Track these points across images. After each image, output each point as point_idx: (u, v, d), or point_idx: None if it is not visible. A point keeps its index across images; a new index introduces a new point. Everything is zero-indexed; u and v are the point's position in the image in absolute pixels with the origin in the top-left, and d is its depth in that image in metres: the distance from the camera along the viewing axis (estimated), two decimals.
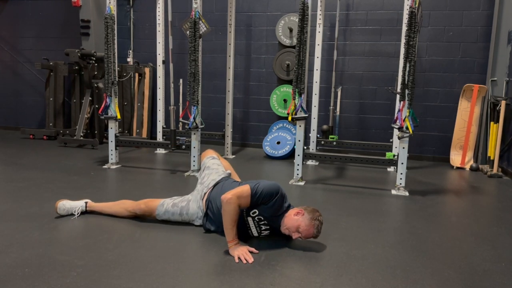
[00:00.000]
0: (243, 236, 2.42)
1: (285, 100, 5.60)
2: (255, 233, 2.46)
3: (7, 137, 6.28)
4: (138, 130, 6.17)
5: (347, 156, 4.17)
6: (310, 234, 2.29)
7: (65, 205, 2.75)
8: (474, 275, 2.13)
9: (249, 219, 2.40)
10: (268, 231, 2.46)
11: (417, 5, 3.37)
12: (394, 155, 3.95)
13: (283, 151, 5.25)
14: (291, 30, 5.51)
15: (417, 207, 3.34)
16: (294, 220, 2.29)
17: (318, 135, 4.99)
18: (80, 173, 4.06)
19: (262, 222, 2.40)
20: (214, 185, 2.64)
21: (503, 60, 4.80)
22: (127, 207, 2.75)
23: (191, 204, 2.65)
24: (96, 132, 5.83)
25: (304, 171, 4.16)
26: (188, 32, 4.00)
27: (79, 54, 5.58)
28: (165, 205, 2.66)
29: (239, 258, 2.18)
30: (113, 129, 4.39)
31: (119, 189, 3.76)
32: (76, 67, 5.91)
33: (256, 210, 2.36)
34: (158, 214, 2.67)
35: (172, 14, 4.51)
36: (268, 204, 2.32)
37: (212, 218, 2.54)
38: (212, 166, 2.82)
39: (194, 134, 4.18)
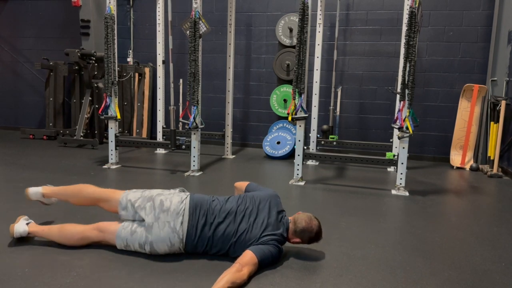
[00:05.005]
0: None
1: (285, 100, 5.60)
2: None
3: (7, 137, 6.28)
4: (138, 130, 6.17)
5: (347, 156, 4.17)
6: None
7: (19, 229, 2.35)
8: (474, 275, 2.13)
9: None
10: None
11: (417, 5, 3.37)
12: (394, 155, 3.95)
13: (283, 151, 5.25)
14: (291, 30, 5.51)
15: (417, 207, 3.34)
16: (297, 243, 2.27)
17: (318, 135, 4.98)
18: (80, 173, 4.06)
19: None
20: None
21: (503, 60, 4.79)
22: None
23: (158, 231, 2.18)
24: (96, 132, 5.83)
25: (304, 171, 4.16)
26: (188, 32, 4.00)
27: (79, 54, 5.58)
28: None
29: None
30: (113, 129, 4.39)
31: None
32: (76, 67, 5.91)
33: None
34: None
35: (172, 14, 4.51)
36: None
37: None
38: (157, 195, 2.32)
39: (194, 134, 4.19)
